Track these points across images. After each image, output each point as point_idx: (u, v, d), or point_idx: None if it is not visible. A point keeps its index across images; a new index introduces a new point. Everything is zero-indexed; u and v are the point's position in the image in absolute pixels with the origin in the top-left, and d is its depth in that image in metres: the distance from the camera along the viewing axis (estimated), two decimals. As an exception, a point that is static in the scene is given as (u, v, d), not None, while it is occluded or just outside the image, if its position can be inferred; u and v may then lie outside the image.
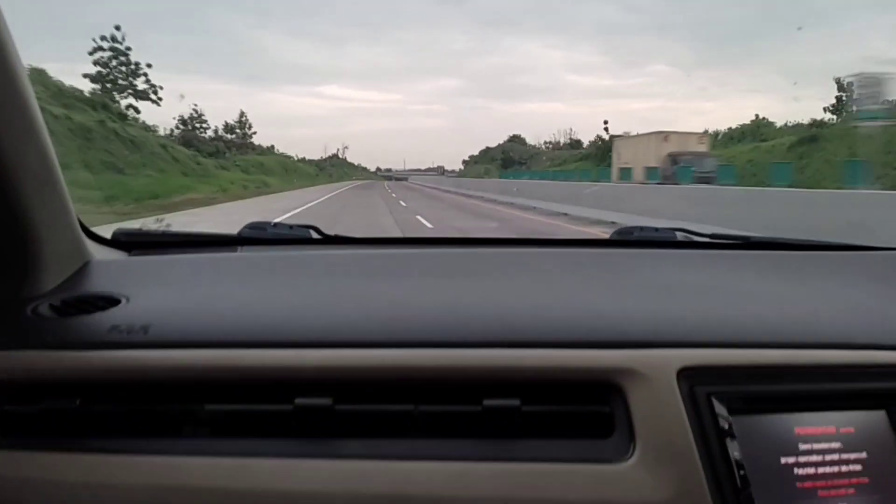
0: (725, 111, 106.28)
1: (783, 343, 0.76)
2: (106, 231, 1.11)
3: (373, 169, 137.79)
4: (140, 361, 0.71)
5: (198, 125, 55.70)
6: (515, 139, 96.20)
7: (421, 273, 1.02)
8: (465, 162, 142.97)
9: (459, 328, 0.77)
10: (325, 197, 25.99)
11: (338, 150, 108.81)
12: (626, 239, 1.40)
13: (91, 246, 0.98)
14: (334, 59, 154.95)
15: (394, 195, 29.83)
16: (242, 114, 60.23)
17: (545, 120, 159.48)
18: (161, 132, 43.15)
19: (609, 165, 51.11)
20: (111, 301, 0.81)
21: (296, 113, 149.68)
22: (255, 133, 60.62)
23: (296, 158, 70.59)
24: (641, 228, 1.43)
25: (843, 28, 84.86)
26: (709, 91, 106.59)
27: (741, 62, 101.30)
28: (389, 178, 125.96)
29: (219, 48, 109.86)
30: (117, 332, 0.73)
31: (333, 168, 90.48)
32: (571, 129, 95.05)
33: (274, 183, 43.14)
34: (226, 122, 59.13)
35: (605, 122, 59.18)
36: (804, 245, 1.34)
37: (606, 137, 57.89)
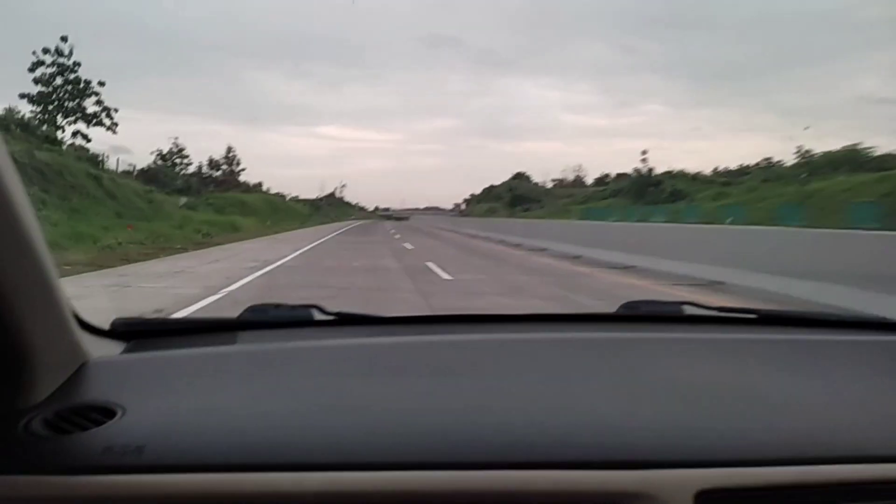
0: (720, 150, 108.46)
1: (801, 458, 0.74)
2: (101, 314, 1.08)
3: (371, 208, 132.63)
4: (133, 488, 0.69)
5: (178, 160, 47.40)
6: (520, 177, 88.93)
7: (427, 368, 0.99)
8: (467, 201, 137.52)
9: (467, 446, 0.75)
10: (300, 251, 16.41)
11: (335, 189, 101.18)
12: (634, 313, 1.39)
13: (87, 340, 0.94)
14: (333, 100, 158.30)
15: (408, 245, 20.12)
16: (230, 149, 51.88)
17: (542, 158, 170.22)
18: (112, 164, 34.13)
19: (652, 202, 42.03)
20: (107, 412, 0.78)
21: (295, 152, 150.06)
22: (243, 169, 52.27)
23: (288, 198, 61.94)
24: (648, 302, 1.42)
25: (834, 68, 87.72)
26: (702, 130, 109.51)
27: (734, 102, 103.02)
28: (389, 218, 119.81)
29: (219, 89, 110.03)
30: (111, 454, 0.71)
31: (330, 207, 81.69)
32: (580, 166, 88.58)
33: (248, 225, 34.01)
34: (210, 158, 50.69)
35: (644, 153, 51.42)
36: (819, 320, 1.29)
37: (645, 171, 50.01)
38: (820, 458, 0.74)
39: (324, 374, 0.94)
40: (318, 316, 1.24)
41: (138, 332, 1.13)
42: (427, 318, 1.48)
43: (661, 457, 0.72)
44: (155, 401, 0.84)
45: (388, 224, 56.90)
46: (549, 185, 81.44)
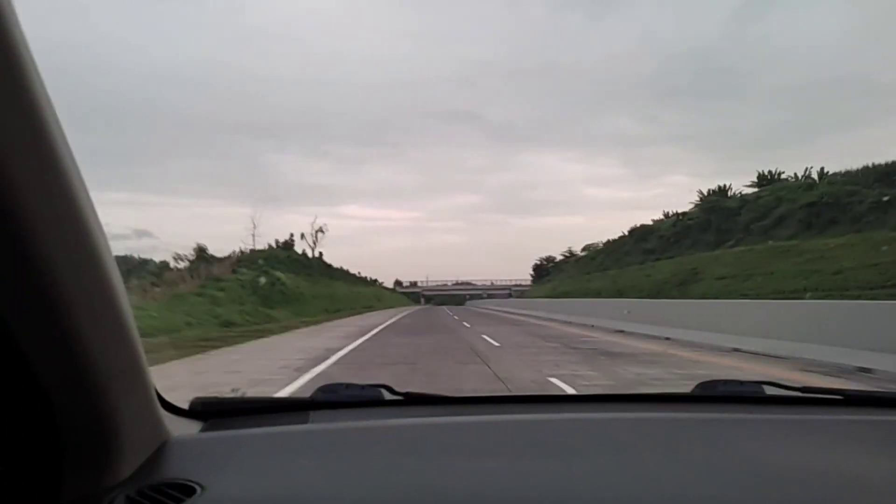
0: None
1: None
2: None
3: (389, 285, 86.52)
4: None
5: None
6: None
7: (498, 449, 0.98)
8: (538, 268, 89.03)
9: None
10: None
11: (303, 234, 50.26)
12: (710, 394, 1.36)
13: (168, 419, 0.98)
14: (353, 179, 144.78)
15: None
16: None
17: (564, 233, 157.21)
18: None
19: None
20: (186, 490, 0.81)
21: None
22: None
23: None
24: (725, 382, 1.38)
25: (863, 134, 72.40)
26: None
27: (758, 171, 67.18)
28: (424, 300, 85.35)
29: (238, 172, 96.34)
30: None
31: (265, 272, 28.34)
32: None
33: None
34: None
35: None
36: None
37: None
38: None
39: (394, 454, 0.95)
40: (387, 396, 1.29)
41: (216, 412, 1.18)
42: (495, 398, 1.47)
43: None
44: (232, 479, 0.86)
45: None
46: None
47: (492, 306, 48.34)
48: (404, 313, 34.54)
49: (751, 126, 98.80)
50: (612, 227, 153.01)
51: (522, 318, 25.73)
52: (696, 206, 47.64)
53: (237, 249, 37.23)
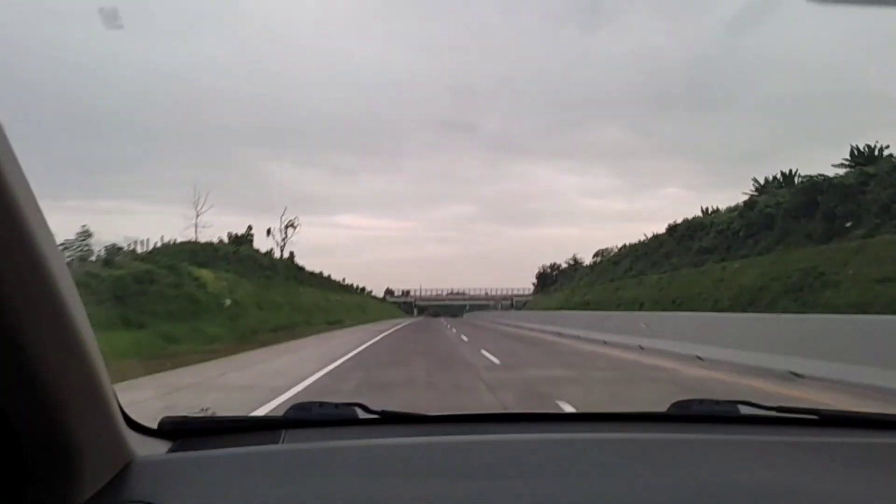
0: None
1: None
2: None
3: (379, 294, 76.76)
4: None
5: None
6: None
7: (469, 469, 0.98)
8: (542, 276, 79.61)
9: None
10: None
11: (270, 230, 40.10)
12: (685, 413, 1.35)
13: (135, 439, 0.96)
14: (347, 189, 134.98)
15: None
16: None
17: (559, 244, 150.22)
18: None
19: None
20: None
21: (313, 242, 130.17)
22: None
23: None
24: (701, 401, 1.37)
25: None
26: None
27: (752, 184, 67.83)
28: (417, 311, 77.15)
29: (232, 181, 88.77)
30: None
31: (171, 268, 17.14)
32: None
33: None
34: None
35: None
36: (885, 422, 1.24)
37: None
38: None
39: (366, 475, 0.94)
40: (361, 414, 1.28)
41: (185, 431, 1.15)
42: (470, 416, 1.42)
43: None
44: (196, 501, 0.84)
45: None
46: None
47: (504, 320, 38.02)
48: (384, 333, 22.92)
49: (745, 137, 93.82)
50: (607, 238, 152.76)
51: (605, 350, 15.13)
52: (755, 194, 37.88)
53: (154, 240, 26.76)
